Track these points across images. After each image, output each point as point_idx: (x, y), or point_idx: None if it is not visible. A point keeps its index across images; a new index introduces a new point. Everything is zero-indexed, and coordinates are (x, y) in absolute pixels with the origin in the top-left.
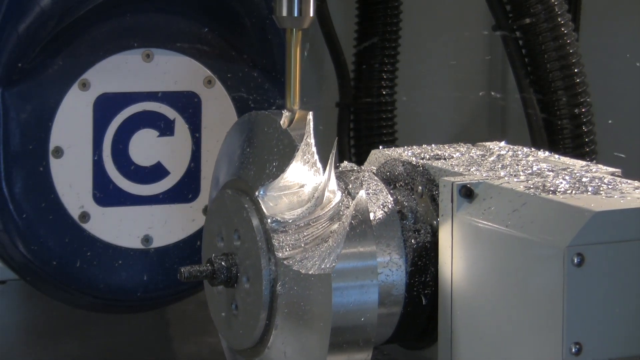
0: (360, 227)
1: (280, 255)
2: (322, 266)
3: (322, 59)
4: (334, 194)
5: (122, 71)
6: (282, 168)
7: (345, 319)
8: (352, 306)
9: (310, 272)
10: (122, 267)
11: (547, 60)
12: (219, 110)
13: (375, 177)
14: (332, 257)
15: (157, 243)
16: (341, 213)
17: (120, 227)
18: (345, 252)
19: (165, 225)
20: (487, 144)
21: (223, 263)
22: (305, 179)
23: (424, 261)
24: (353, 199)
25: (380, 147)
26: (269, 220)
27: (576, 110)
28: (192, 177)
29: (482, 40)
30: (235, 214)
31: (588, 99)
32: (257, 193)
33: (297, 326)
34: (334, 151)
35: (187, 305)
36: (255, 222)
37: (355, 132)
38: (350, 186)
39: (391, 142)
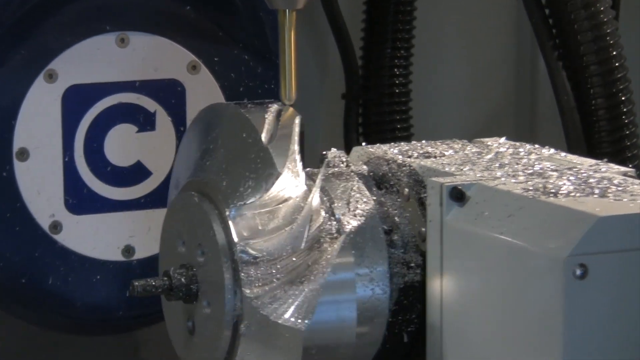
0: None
1: (248, 292)
2: (293, 319)
3: (325, 44)
4: (316, 214)
5: (94, 59)
6: (259, 184)
7: (319, 339)
8: (326, 324)
9: (280, 321)
10: (101, 282)
11: (577, 31)
12: (205, 99)
13: (367, 192)
14: (308, 310)
15: (140, 254)
16: (322, 240)
17: (97, 237)
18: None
19: (149, 233)
20: (486, 140)
21: (182, 279)
22: (285, 191)
23: (410, 300)
24: (337, 221)
25: (363, 143)
26: (238, 249)
27: (613, 88)
28: None
29: (508, 20)
30: (200, 227)
31: (626, 75)
32: (228, 212)
33: (263, 351)
34: (320, 177)
35: None
36: (222, 246)
37: (365, 128)
38: (335, 204)
39: (406, 139)
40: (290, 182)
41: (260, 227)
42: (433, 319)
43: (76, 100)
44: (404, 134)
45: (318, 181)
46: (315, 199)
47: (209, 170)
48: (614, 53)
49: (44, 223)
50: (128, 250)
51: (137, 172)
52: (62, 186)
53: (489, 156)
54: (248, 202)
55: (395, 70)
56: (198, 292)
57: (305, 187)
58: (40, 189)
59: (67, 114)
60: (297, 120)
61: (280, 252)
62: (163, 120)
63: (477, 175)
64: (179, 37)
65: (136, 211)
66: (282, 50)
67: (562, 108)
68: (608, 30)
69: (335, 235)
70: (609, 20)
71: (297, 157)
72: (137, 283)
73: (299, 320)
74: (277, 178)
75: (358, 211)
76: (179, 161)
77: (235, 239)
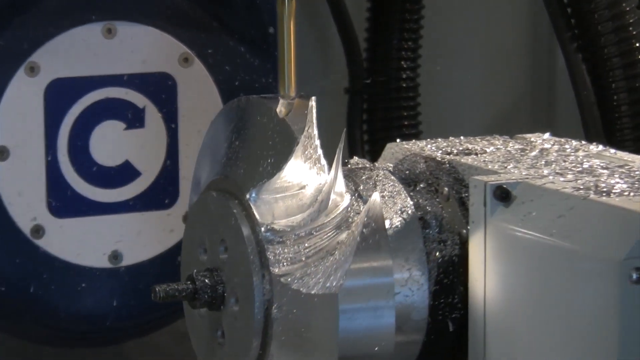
0: (373, 238)
1: (277, 271)
2: (328, 284)
3: (327, 34)
4: (341, 197)
5: (79, 51)
6: (278, 166)
7: (355, 348)
8: (363, 332)
9: (312, 292)
10: (87, 291)
11: (598, 21)
12: (198, 94)
13: (392, 177)
14: (340, 273)
15: (128, 260)
16: (350, 220)
17: (82, 243)
18: (355, 267)
19: (138, 238)
20: (528, 136)
21: (207, 280)
22: (306, 178)
23: (450, 278)
24: (365, 203)
25: (398, 140)
26: (262, 229)
27: (636, 82)
28: (169, 178)
29: (523, 8)
30: (221, 221)
31: None
32: (248, 196)
33: (299, 336)
34: (341, 145)
35: (160, 337)
36: (245, 231)
37: (369, 124)
38: (361, 187)
39: (414, 136)
40: (312, 170)
41: (283, 209)
42: (476, 325)
43: (59, 95)
44: (411, 131)
45: (338, 155)
46: (339, 179)
47: (226, 165)
48: (637, 45)
49: (25, 227)
50: (115, 256)
51: (125, 173)
52: (45, 188)
53: (534, 153)
54: (269, 181)
55: (403, 62)
56: (224, 292)
57: (327, 174)
58: (21, 190)
59: (49, 110)
60: (313, 103)
61: (307, 230)
62: (153, 116)
63: (523, 173)
64: (170, 28)
65: (124, 214)
66: (280, 41)
67: (582, 103)
68: (631, 20)
69: None
70: (632, 10)
71: (317, 142)
72: (159, 288)
73: (334, 284)
74: (296, 146)
75: (386, 192)
76: (197, 168)
77: (259, 219)
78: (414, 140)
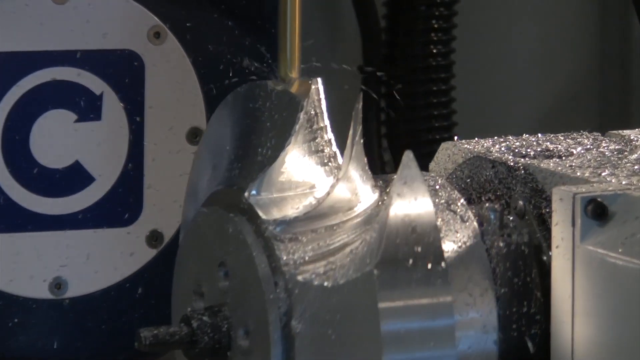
0: (425, 265)
1: (292, 270)
2: (361, 269)
3: (338, 2)
4: (366, 190)
5: (19, 19)
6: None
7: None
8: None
9: (341, 282)
10: (22, 327)
11: None
12: (171, 79)
13: (444, 182)
14: (375, 253)
15: (74, 290)
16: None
17: (16, 266)
18: (403, 304)
19: (88, 263)
20: (626, 132)
21: (205, 318)
22: (317, 176)
23: (522, 277)
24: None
25: (456, 138)
26: (269, 227)
27: None
28: (130, 186)
29: None
30: (217, 239)
31: None
32: (247, 194)
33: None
34: (358, 107)
35: None
36: (248, 232)
37: (389, 114)
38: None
39: (445, 130)
40: (323, 167)
41: (291, 207)
42: None
43: None
44: (443, 124)
45: (355, 122)
46: (359, 154)
47: (231, 170)
48: None
49: None
50: (58, 284)
51: (75, 177)
52: None
53: (635, 156)
54: (269, 171)
55: (433, 35)
56: (230, 331)
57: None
58: None
59: None
60: (319, 85)
61: (326, 226)
62: (112, 106)
63: (623, 182)
64: None
65: (71, 231)
66: (283, 10)
67: None
68: None
69: None
70: None
71: (330, 137)
72: (144, 332)
73: (367, 267)
74: (297, 130)
75: (430, 182)
76: (193, 176)
77: (263, 216)
78: (476, 139)
